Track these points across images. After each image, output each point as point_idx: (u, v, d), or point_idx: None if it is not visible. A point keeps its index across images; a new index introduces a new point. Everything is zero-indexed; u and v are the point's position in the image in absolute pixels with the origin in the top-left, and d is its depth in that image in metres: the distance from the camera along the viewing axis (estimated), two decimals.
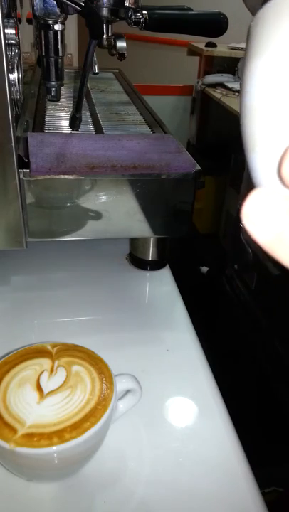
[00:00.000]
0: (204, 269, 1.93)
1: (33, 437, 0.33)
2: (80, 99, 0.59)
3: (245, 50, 0.20)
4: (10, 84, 0.45)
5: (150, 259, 0.68)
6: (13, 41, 0.58)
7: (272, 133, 0.18)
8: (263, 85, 0.18)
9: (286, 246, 0.18)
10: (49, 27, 0.55)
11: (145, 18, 0.56)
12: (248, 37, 0.19)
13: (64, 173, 0.53)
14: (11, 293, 0.62)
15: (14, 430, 0.34)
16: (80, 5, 0.52)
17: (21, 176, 0.51)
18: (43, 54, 0.57)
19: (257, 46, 0.19)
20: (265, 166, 0.19)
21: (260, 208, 0.18)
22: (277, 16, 0.18)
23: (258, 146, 0.19)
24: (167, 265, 0.69)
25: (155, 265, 0.68)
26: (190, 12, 0.61)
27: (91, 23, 0.53)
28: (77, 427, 0.34)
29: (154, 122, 0.76)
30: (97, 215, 0.57)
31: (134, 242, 0.69)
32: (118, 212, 0.58)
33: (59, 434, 0.34)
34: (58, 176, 0.53)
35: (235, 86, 1.98)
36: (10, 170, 0.49)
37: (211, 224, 2.17)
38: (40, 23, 0.55)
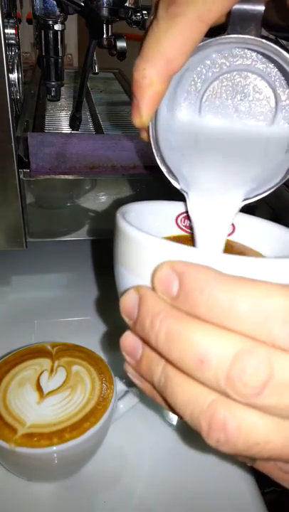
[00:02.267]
0: None
1: (33, 437, 0.33)
2: (80, 99, 0.59)
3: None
4: (10, 85, 0.45)
5: None
6: (13, 41, 0.58)
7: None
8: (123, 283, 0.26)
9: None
10: (49, 27, 0.55)
11: (145, 18, 0.56)
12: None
13: (64, 173, 0.53)
14: (10, 293, 0.62)
15: (14, 430, 0.34)
16: (80, 5, 0.52)
17: (21, 176, 0.51)
18: (43, 54, 0.57)
19: (120, 254, 0.25)
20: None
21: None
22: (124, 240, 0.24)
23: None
24: None
25: None
26: None
27: (91, 23, 0.53)
28: (77, 427, 0.34)
29: None
30: (97, 215, 0.57)
31: None
32: None
33: (59, 434, 0.34)
34: (58, 176, 0.53)
35: None
36: (10, 170, 0.49)
37: None
38: (40, 23, 0.55)
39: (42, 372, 0.39)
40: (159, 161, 0.29)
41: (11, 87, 0.47)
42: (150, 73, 0.23)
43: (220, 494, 0.38)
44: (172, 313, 0.18)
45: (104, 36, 0.56)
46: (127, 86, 1.01)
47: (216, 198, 0.28)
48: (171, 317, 0.18)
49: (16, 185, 0.51)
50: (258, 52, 0.26)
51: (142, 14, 0.56)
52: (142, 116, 0.24)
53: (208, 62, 0.27)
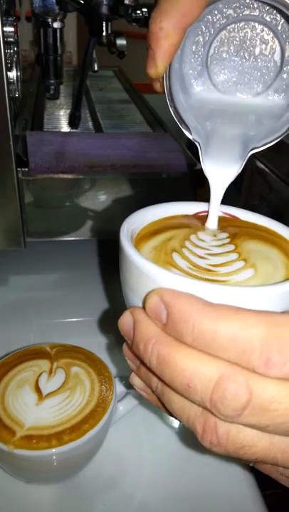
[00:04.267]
0: None
1: (31, 439, 0.33)
2: (79, 98, 0.58)
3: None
4: (8, 83, 0.45)
5: None
6: (11, 39, 0.57)
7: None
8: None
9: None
10: (48, 25, 0.54)
11: (145, 16, 0.55)
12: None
13: (63, 172, 0.53)
14: (9, 293, 0.62)
15: (13, 432, 0.34)
16: (79, 3, 0.51)
17: (20, 175, 0.51)
18: (42, 52, 0.56)
19: (122, 274, 0.27)
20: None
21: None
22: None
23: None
24: None
25: None
26: None
27: (90, 20, 0.53)
28: (76, 429, 0.34)
29: (154, 121, 0.76)
30: (97, 215, 0.57)
31: None
32: (117, 212, 0.57)
33: (58, 437, 0.33)
34: (56, 175, 0.53)
35: None
36: (8, 169, 0.49)
37: None
38: (39, 21, 0.54)
39: (41, 374, 0.38)
40: (172, 112, 0.29)
41: (10, 85, 0.46)
42: (167, 25, 0.24)
43: (221, 496, 0.38)
44: (162, 340, 0.20)
45: (104, 34, 0.56)
46: (127, 84, 1.01)
47: (226, 147, 0.29)
48: (162, 343, 0.20)
49: (14, 184, 0.50)
50: (266, 3, 0.26)
51: (142, 12, 0.56)
52: (157, 67, 0.26)
53: (216, 12, 0.28)
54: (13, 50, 0.61)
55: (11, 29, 0.56)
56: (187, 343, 0.20)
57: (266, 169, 0.73)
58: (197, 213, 0.32)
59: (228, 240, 0.29)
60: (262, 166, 0.75)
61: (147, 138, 0.64)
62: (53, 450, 0.33)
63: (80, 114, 0.60)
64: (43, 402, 0.36)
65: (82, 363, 0.40)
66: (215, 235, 0.29)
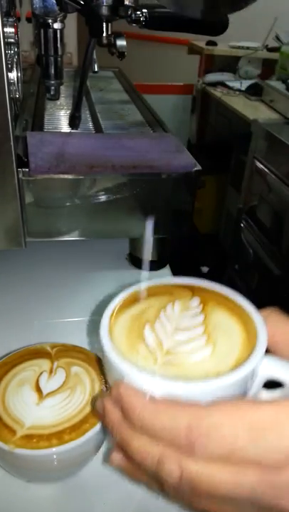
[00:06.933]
0: (205, 269, 1.93)
1: (32, 439, 0.33)
2: (79, 98, 0.59)
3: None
4: (9, 83, 0.45)
5: (150, 259, 0.67)
6: (12, 40, 0.57)
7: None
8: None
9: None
10: (48, 25, 0.54)
11: (145, 17, 0.55)
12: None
13: (63, 173, 0.53)
14: (9, 293, 0.62)
15: (13, 431, 0.34)
16: (79, 3, 0.52)
17: (20, 176, 0.51)
18: (43, 53, 0.56)
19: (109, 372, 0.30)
20: None
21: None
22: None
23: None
24: (167, 265, 0.69)
25: (155, 265, 0.68)
26: None
27: (90, 21, 0.53)
28: (76, 428, 0.34)
29: (154, 121, 0.76)
30: (97, 215, 0.57)
31: (134, 242, 0.68)
32: (118, 212, 0.57)
33: (58, 436, 0.34)
34: (57, 176, 0.53)
35: (236, 85, 1.97)
36: (9, 169, 0.49)
37: (211, 224, 2.16)
38: (39, 22, 0.54)
39: (41, 373, 0.38)
40: None
41: (10, 86, 0.46)
42: None
43: None
44: (120, 425, 0.26)
45: (104, 35, 0.56)
46: (127, 85, 1.01)
47: None
48: (121, 427, 0.26)
49: (14, 184, 0.50)
50: None
51: (142, 12, 0.56)
52: None
53: None
54: (14, 50, 0.61)
55: (12, 30, 0.56)
56: (137, 429, 0.25)
57: (266, 169, 0.73)
58: (178, 283, 0.34)
59: (200, 309, 0.32)
60: (262, 166, 0.75)
61: (147, 138, 0.64)
62: (54, 449, 0.33)
63: (81, 115, 0.60)
64: (44, 402, 0.36)
65: (82, 362, 0.40)
66: (188, 307, 0.32)
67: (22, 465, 0.35)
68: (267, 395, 0.30)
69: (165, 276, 0.67)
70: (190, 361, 0.28)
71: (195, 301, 0.33)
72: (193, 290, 0.34)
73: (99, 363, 0.40)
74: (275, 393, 0.29)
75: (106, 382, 0.34)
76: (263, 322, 0.30)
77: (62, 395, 0.37)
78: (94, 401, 0.35)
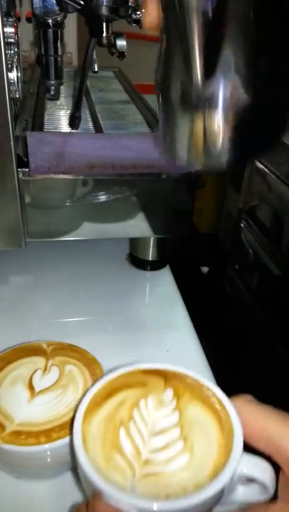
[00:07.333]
0: (205, 269, 1.93)
1: (20, 435, 0.33)
2: (79, 98, 0.58)
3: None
4: (9, 83, 0.45)
5: (150, 259, 0.67)
6: (12, 40, 0.57)
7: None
8: None
9: None
10: (48, 25, 0.54)
11: None
12: None
13: (63, 173, 0.53)
14: (9, 293, 0.62)
15: (2, 427, 0.34)
16: (79, 3, 0.51)
17: (20, 176, 0.51)
18: (43, 53, 0.56)
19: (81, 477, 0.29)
20: None
21: None
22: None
23: None
24: (167, 265, 0.69)
25: (155, 265, 0.68)
26: None
27: (91, 21, 0.53)
28: (65, 426, 0.34)
29: (154, 121, 0.76)
30: (97, 215, 0.57)
31: (134, 242, 0.68)
32: (118, 212, 0.57)
33: (47, 433, 0.34)
34: (57, 176, 0.53)
35: None
36: (9, 169, 0.49)
37: (211, 224, 2.16)
38: (39, 22, 0.54)
39: (35, 371, 0.39)
40: None
41: (10, 86, 0.46)
42: None
43: None
44: None
45: (104, 35, 0.56)
46: (127, 85, 1.01)
47: None
48: None
49: (14, 184, 0.50)
50: None
51: (142, 13, 0.56)
52: None
53: None
54: (14, 50, 0.61)
55: (12, 30, 0.56)
56: None
57: (266, 169, 0.73)
58: (149, 369, 0.33)
59: (174, 404, 0.31)
60: (262, 166, 0.76)
61: (148, 138, 0.64)
62: (43, 446, 0.33)
63: (81, 115, 0.60)
64: (35, 399, 0.36)
65: (76, 361, 0.40)
66: (162, 401, 0.31)
67: (10, 461, 0.35)
68: (243, 490, 0.30)
69: (165, 276, 0.67)
70: (168, 471, 0.27)
71: (168, 394, 0.32)
72: (165, 378, 0.33)
73: (94, 364, 0.40)
74: (251, 488, 0.29)
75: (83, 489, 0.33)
76: (237, 416, 0.29)
77: (55, 393, 0.37)
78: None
